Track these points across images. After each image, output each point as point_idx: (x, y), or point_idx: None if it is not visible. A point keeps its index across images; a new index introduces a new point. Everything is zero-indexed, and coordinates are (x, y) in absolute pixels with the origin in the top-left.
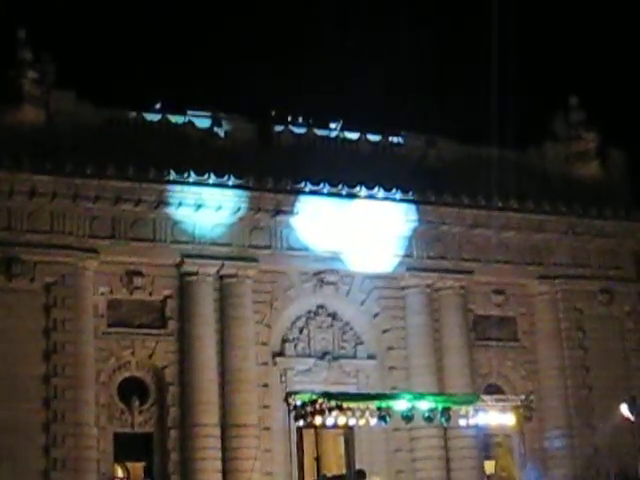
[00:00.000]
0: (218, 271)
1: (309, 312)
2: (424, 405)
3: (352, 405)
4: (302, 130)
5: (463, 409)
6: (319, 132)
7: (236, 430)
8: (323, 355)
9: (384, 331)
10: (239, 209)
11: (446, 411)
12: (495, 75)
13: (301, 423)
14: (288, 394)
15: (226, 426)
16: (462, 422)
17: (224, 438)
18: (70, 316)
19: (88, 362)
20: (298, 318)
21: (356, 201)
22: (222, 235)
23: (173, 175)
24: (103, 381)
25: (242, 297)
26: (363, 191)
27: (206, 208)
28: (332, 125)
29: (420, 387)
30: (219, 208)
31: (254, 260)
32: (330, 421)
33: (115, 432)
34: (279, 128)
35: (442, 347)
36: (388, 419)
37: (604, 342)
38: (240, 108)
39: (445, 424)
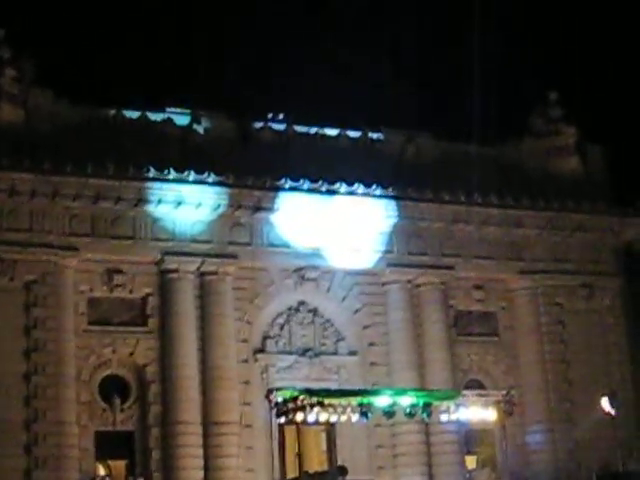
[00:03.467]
0: (198, 268)
1: (290, 309)
2: (405, 401)
3: (334, 401)
4: (281, 127)
5: (444, 404)
6: (298, 129)
7: (217, 427)
8: (304, 352)
9: (365, 327)
10: (219, 206)
11: (427, 407)
12: (473, 71)
13: (283, 420)
14: (269, 391)
15: (207, 423)
16: (444, 417)
17: (206, 435)
18: (50, 314)
19: (69, 360)
20: (279, 315)
21: (336, 197)
22: (202, 232)
23: (153, 172)
24: (84, 379)
25: (223, 294)
26: (343, 187)
27: (186, 205)
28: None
29: (401, 383)
30: (199, 205)
31: (234, 257)
32: (312, 417)
33: (96, 430)
34: (258, 125)
35: (423, 343)
36: (369, 415)
37: (584, 336)
38: (219, 105)
39: (426, 420)
